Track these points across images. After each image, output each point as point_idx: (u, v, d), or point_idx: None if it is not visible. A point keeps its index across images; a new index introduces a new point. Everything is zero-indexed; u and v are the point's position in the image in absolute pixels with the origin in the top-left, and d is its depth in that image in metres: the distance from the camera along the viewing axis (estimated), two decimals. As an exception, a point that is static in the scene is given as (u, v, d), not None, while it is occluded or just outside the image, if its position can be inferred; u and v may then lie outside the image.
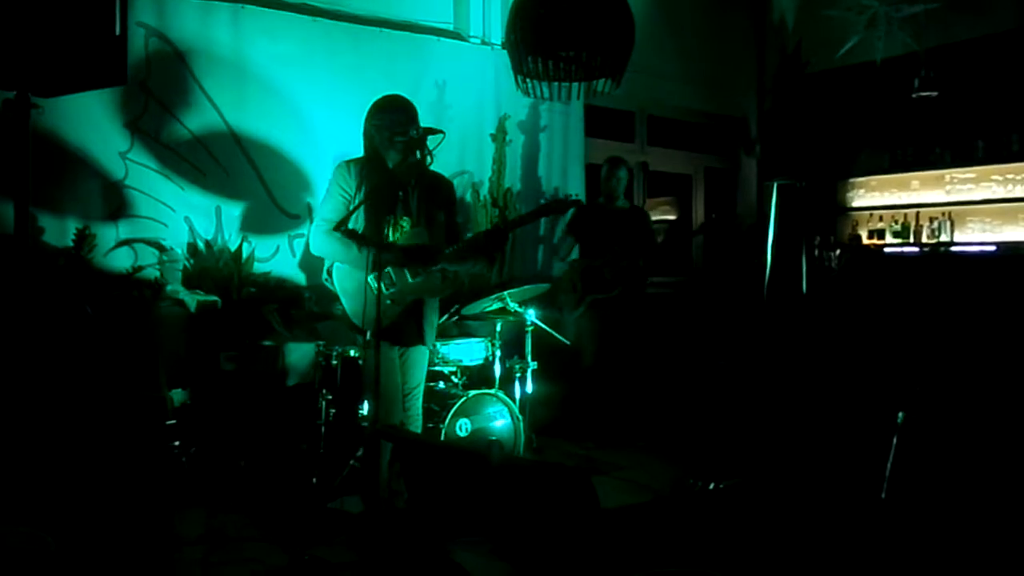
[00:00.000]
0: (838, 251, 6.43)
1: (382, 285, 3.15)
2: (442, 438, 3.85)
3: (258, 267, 4.56)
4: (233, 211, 4.56)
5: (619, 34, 3.86)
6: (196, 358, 4.13)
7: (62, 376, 3.46)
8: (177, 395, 3.98)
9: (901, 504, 3.37)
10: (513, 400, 4.23)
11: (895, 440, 3.44)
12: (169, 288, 4.22)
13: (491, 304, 4.20)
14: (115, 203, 4.22)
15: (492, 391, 4.16)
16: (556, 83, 4.03)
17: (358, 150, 3.44)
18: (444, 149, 3.12)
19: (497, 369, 4.33)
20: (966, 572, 2.96)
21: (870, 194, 6.70)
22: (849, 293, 6.04)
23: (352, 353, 3.96)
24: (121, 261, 4.18)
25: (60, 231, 4.00)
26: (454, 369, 4.29)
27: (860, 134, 6.61)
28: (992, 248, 5.84)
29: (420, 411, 3.54)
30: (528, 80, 4.01)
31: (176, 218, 4.39)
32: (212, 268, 4.38)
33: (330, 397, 3.98)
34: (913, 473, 3.45)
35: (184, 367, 4.09)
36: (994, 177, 5.94)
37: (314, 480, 3.80)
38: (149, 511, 3.46)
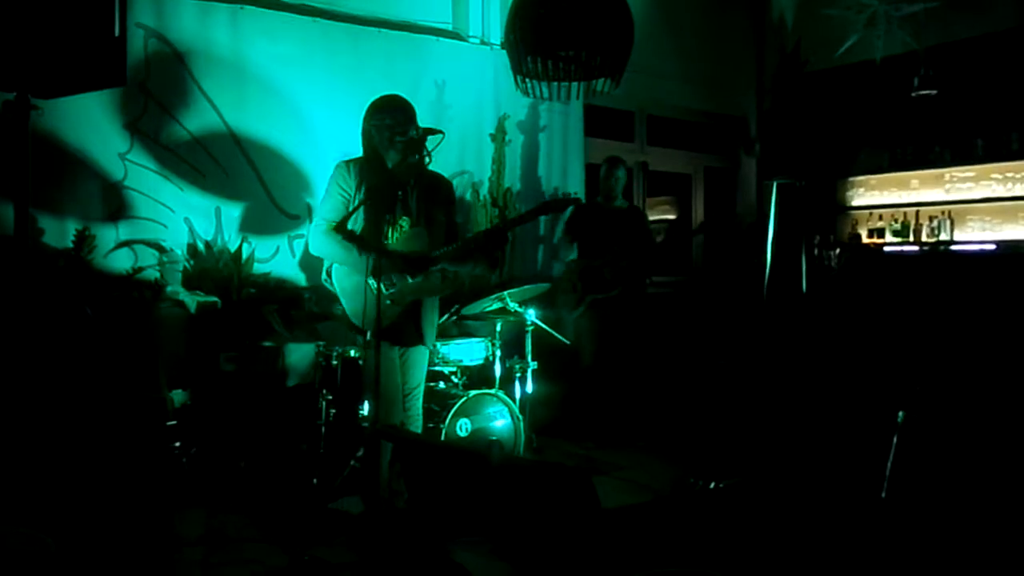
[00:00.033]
0: (838, 250, 6.44)
1: (382, 285, 3.14)
2: (442, 438, 3.85)
3: (258, 268, 4.56)
4: (233, 212, 4.56)
5: (618, 34, 3.86)
6: (196, 359, 4.13)
7: (62, 377, 3.46)
8: (177, 396, 3.98)
9: (901, 503, 3.37)
10: (513, 400, 4.23)
11: (895, 439, 3.44)
12: (169, 289, 4.21)
13: (491, 304, 4.20)
14: (115, 204, 4.22)
15: (492, 391, 4.16)
16: (555, 83, 4.03)
17: (358, 150, 3.43)
18: (443, 149, 3.12)
19: (497, 369, 4.33)
20: (966, 571, 2.96)
21: (870, 193, 6.70)
22: (849, 292, 6.05)
23: (352, 353, 3.96)
24: (121, 262, 4.18)
25: (60, 232, 4.00)
26: (454, 369, 4.29)
27: (860, 133, 6.61)
28: (992, 247, 5.84)
29: (420, 411, 3.54)
30: (527, 80, 4.01)
31: (176, 219, 4.39)
32: (212, 269, 4.38)
33: (330, 397, 3.98)
34: (913, 472, 3.45)
35: (184, 368, 4.09)
36: (994, 176, 5.93)
37: (314, 480, 3.80)
38: (149, 512, 3.46)
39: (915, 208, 6.33)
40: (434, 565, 2.06)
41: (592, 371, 5.12)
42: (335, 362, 4.00)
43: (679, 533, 3.47)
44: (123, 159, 4.24)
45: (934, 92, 5.77)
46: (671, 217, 7.18)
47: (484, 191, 5.47)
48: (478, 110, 5.46)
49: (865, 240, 6.60)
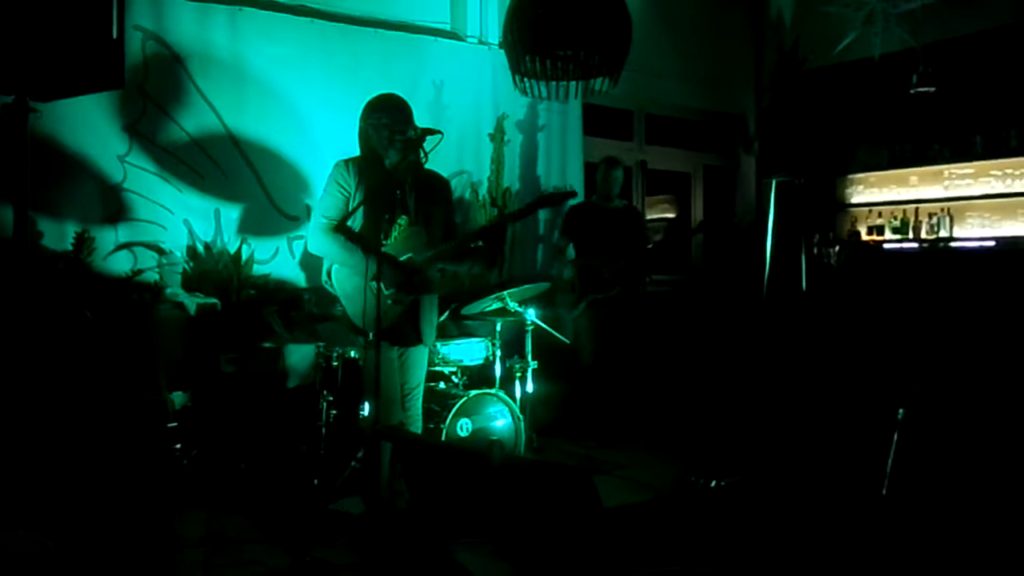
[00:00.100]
0: (837, 247, 6.44)
1: (382, 285, 3.14)
2: (443, 438, 3.85)
3: (257, 269, 4.56)
4: (232, 213, 4.56)
5: (617, 33, 3.85)
6: (196, 361, 4.13)
7: (63, 380, 3.46)
8: (178, 398, 3.97)
9: (902, 501, 3.37)
10: (513, 400, 4.23)
11: (896, 437, 3.44)
12: (169, 291, 4.21)
13: (491, 304, 4.20)
14: (114, 206, 4.22)
15: (492, 391, 4.16)
16: (554, 82, 4.03)
17: (356, 151, 3.43)
18: (442, 149, 3.12)
19: (497, 369, 4.33)
20: (967, 569, 2.96)
21: (869, 190, 6.70)
22: (849, 289, 6.05)
23: (352, 354, 3.95)
24: (120, 264, 4.18)
25: (59, 235, 4.00)
26: (454, 369, 4.29)
27: (858, 130, 6.61)
28: (991, 243, 5.84)
29: (420, 411, 3.54)
30: (526, 79, 4.01)
31: (175, 221, 4.39)
32: (211, 270, 4.38)
33: (331, 398, 3.97)
34: (914, 469, 3.45)
35: (184, 370, 4.09)
36: (993, 172, 5.93)
37: (315, 481, 3.80)
38: (150, 513, 3.46)
39: (914, 205, 6.33)
40: (435, 565, 2.06)
41: (592, 370, 5.12)
42: (335, 363, 4.00)
43: (680, 532, 3.47)
44: (122, 161, 4.24)
45: (933, 89, 5.77)
46: (670, 216, 7.18)
47: (483, 191, 5.47)
48: (476, 110, 5.46)
49: (865, 237, 6.60)
